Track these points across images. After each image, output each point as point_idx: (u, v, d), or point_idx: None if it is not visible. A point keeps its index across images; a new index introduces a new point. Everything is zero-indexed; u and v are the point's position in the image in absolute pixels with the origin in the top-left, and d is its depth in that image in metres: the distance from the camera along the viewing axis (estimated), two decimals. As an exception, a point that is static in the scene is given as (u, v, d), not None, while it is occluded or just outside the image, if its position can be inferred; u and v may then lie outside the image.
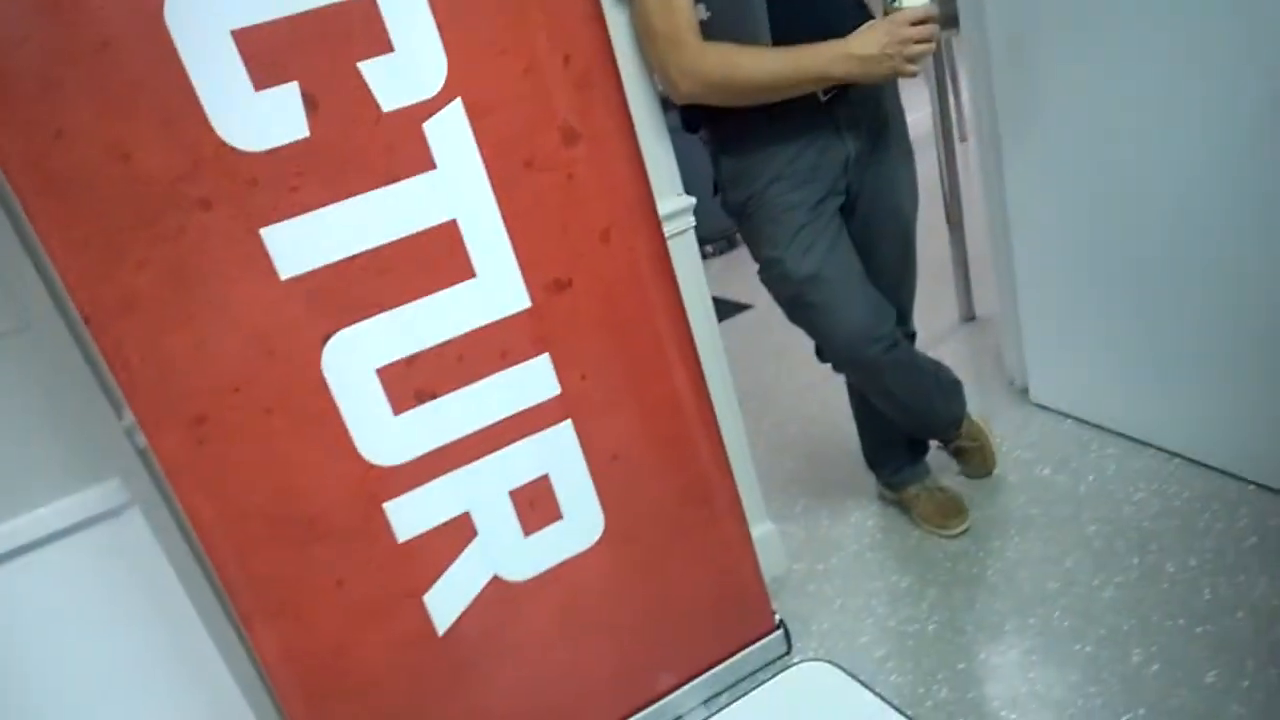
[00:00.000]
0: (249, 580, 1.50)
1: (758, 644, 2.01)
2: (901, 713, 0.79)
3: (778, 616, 2.04)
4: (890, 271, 2.10)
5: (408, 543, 1.60)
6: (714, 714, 0.82)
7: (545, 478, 1.70)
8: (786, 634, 2.04)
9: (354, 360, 1.49)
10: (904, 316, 2.18)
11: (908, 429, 2.29)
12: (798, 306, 2.00)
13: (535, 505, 1.70)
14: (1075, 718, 1.71)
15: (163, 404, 1.39)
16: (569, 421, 1.69)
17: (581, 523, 1.75)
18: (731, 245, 4.91)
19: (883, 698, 0.81)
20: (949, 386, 2.23)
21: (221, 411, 1.42)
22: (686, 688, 1.95)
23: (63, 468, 1.62)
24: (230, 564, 1.48)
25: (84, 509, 1.64)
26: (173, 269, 1.36)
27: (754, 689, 0.85)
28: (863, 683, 0.83)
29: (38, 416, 1.59)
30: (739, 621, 2.00)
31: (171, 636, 1.76)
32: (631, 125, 1.61)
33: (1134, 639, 1.84)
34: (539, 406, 1.66)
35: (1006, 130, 2.37)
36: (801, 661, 0.86)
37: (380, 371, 1.51)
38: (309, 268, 1.43)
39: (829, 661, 0.86)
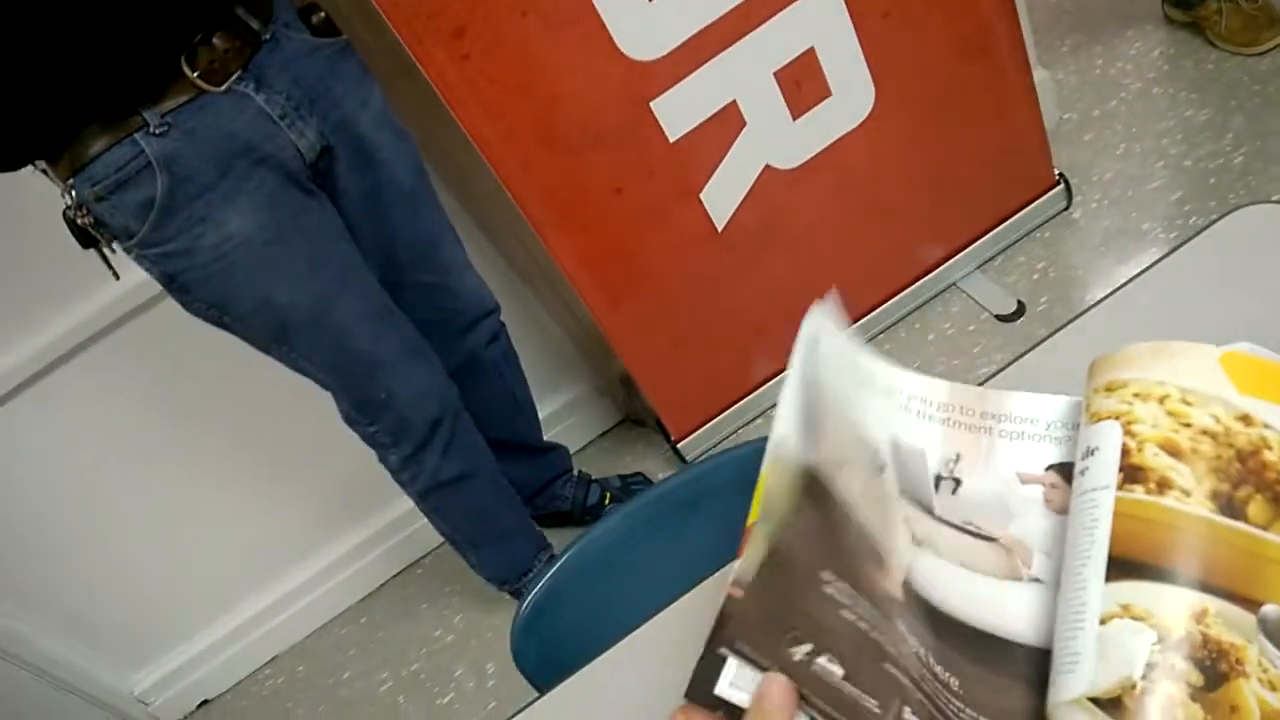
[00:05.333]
0: (536, 192, 1.50)
1: (1036, 202, 1.90)
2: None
3: (1056, 170, 1.90)
4: None
5: (679, 141, 1.53)
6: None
7: (811, 51, 1.55)
8: (1068, 187, 1.91)
9: (600, -58, 1.34)
10: None
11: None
12: None
13: (802, 84, 1.57)
14: None
15: (419, 20, 1.31)
16: (833, -20, 1.50)
17: (851, 96, 1.62)
18: None
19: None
20: None
21: (477, 20, 1.33)
22: (962, 254, 1.90)
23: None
24: (516, 177, 1.47)
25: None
26: None
27: (1187, 241, 0.75)
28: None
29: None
30: (1016, 180, 1.88)
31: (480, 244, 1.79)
32: None
33: None
34: (799, -33, 1.47)
35: None
36: (1248, 204, 0.75)
37: (629, -48, 1.36)
38: None
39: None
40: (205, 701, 2.19)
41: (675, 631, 0.75)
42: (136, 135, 1.12)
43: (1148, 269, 0.74)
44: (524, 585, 1.79)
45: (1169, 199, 1.84)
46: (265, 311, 1.29)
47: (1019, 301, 1.83)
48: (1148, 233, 1.81)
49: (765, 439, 0.88)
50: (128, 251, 1.21)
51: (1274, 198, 1.73)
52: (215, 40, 1.15)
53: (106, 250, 1.22)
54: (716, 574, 0.77)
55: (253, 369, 1.70)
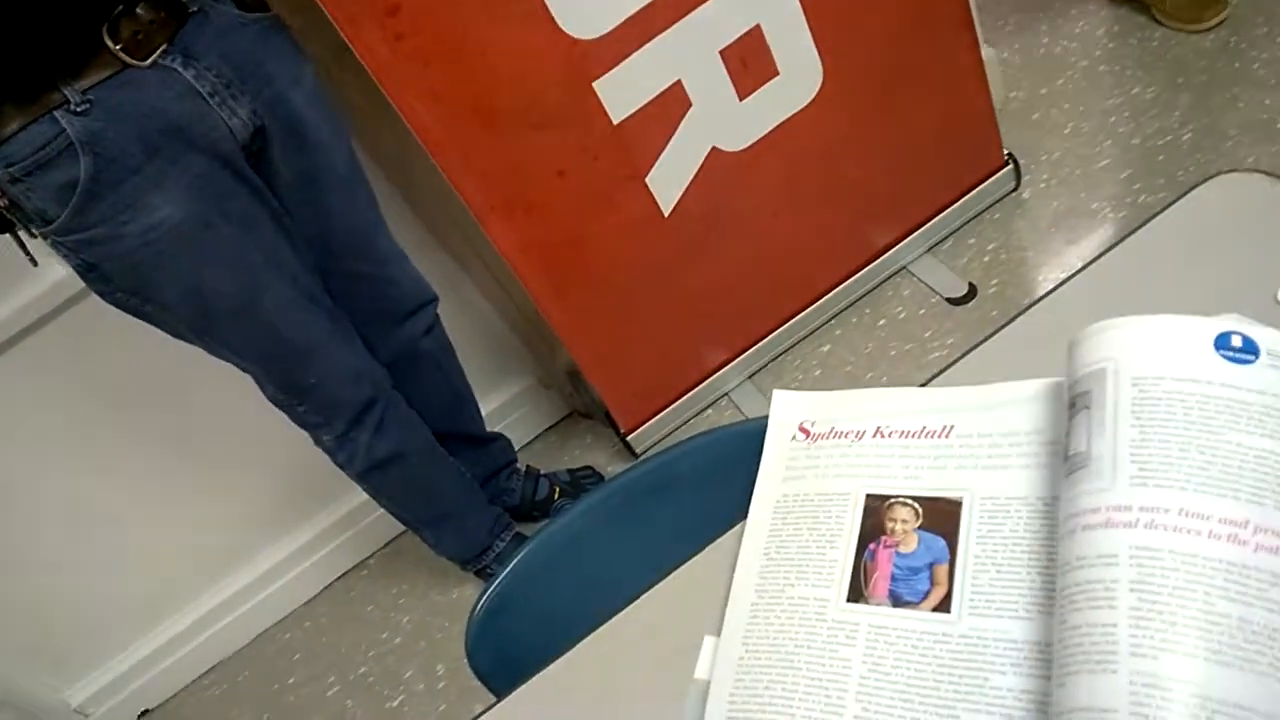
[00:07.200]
0: (476, 177, 1.44)
1: (985, 183, 1.89)
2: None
3: (1005, 150, 1.88)
4: None
5: (623, 123, 1.48)
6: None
7: (757, 29, 1.51)
8: (1016, 167, 1.89)
9: (537, -86, 1.28)
10: None
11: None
12: None
13: (748, 63, 1.53)
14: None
15: (351, -3, 1.24)
16: (778, -45, 1.45)
17: (799, 75, 1.58)
18: None
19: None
20: None
21: (410, -1, 1.27)
22: (912, 237, 1.87)
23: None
24: (455, 162, 1.41)
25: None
26: None
27: (1162, 212, 0.72)
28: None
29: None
30: (965, 161, 1.86)
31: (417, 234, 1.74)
32: None
33: None
34: (743, -58, 1.42)
35: None
36: (1227, 172, 0.72)
37: (567, -75, 1.30)
38: None
39: (1263, 171, 0.72)
40: (146, 711, 2.11)
41: (637, 632, 0.71)
42: (56, 113, 1.05)
43: (1115, 245, 0.71)
44: (486, 564, 1.78)
45: (1118, 177, 1.84)
46: (192, 300, 1.23)
47: (970, 284, 1.82)
48: (1097, 211, 1.80)
49: (723, 427, 0.85)
50: (44, 238, 1.14)
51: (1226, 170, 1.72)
52: (138, 10, 1.08)
53: (24, 235, 1.15)
54: (675, 572, 0.73)
55: (184, 370, 1.63)
